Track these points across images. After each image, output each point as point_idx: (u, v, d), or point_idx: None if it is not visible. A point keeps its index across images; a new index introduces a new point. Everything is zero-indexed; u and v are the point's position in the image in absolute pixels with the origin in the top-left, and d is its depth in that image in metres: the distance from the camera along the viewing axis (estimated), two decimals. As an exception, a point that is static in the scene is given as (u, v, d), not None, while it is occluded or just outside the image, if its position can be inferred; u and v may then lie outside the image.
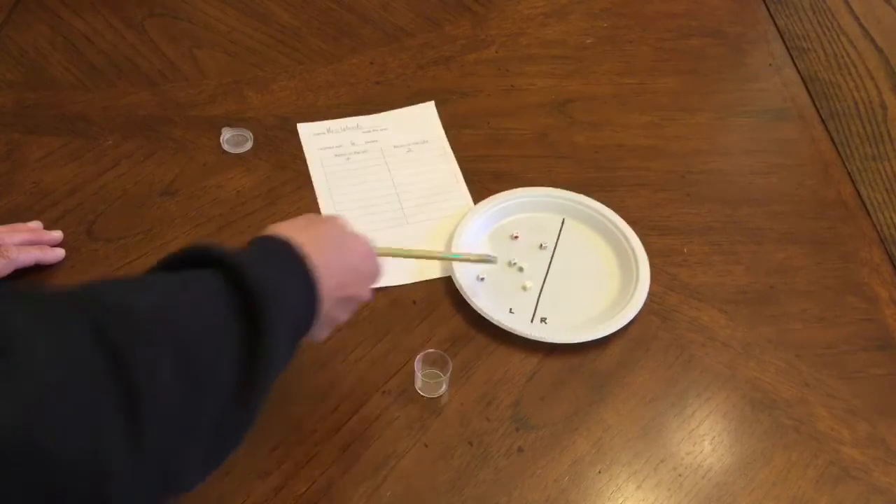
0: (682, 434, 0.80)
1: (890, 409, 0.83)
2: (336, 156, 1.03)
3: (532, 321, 0.87)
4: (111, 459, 0.44)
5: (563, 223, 0.96)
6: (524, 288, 0.90)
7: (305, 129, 1.06)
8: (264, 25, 1.21)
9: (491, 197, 0.97)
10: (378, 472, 0.75)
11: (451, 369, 0.80)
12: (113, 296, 0.49)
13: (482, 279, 0.89)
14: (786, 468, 0.78)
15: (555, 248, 0.94)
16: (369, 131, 1.06)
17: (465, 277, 0.88)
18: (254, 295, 0.53)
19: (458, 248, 0.91)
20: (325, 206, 0.98)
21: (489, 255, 0.88)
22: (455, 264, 0.89)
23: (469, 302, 0.86)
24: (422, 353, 0.81)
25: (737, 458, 0.79)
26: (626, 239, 0.93)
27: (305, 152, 1.03)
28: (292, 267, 0.60)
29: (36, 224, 0.92)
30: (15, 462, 0.41)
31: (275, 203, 0.97)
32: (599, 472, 0.77)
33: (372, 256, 0.72)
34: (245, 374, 0.52)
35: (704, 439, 0.80)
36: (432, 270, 0.91)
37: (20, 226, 0.91)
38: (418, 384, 0.81)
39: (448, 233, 0.94)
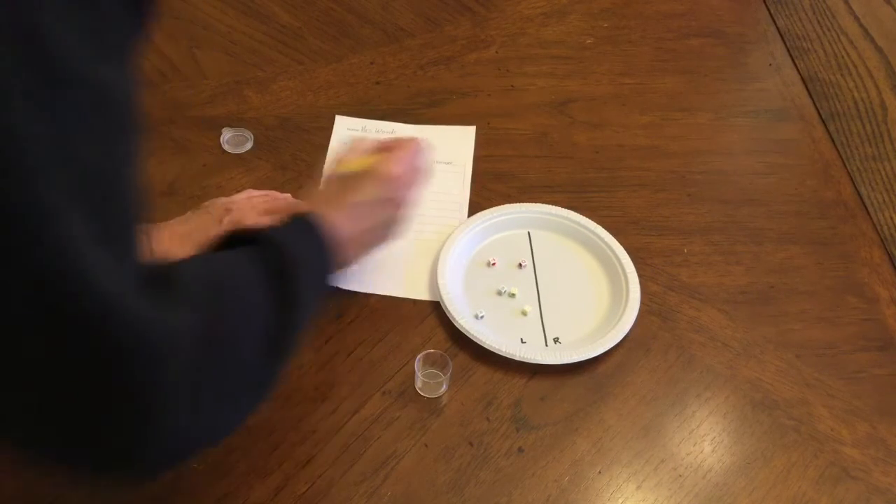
0: (682, 434, 0.80)
1: (890, 409, 0.83)
2: None
3: (546, 345, 0.85)
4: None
5: (529, 236, 0.95)
6: (524, 313, 0.88)
7: (342, 122, 1.07)
8: (264, 25, 1.21)
9: (454, 231, 0.93)
10: (378, 472, 0.75)
11: (451, 369, 0.80)
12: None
13: (481, 317, 0.87)
14: (786, 468, 0.78)
15: (534, 264, 0.93)
16: None
17: (466, 321, 0.85)
18: (283, 261, 0.65)
19: (448, 299, 0.86)
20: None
21: None
22: (450, 316, 0.85)
23: (481, 344, 0.83)
24: (422, 353, 0.81)
25: (737, 459, 0.79)
26: (596, 234, 0.93)
27: (330, 143, 1.04)
28: (315, 236, 0.73)
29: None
30: None
31: (275, 203, 0.97)
32: (599, 472, 0.77)
33: (392, 220, 0.83)
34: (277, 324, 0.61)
35: (705, 439, 0.80)
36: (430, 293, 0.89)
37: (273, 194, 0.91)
38: (418, 384, 0.81)
39: (430, 256, 0.91)
